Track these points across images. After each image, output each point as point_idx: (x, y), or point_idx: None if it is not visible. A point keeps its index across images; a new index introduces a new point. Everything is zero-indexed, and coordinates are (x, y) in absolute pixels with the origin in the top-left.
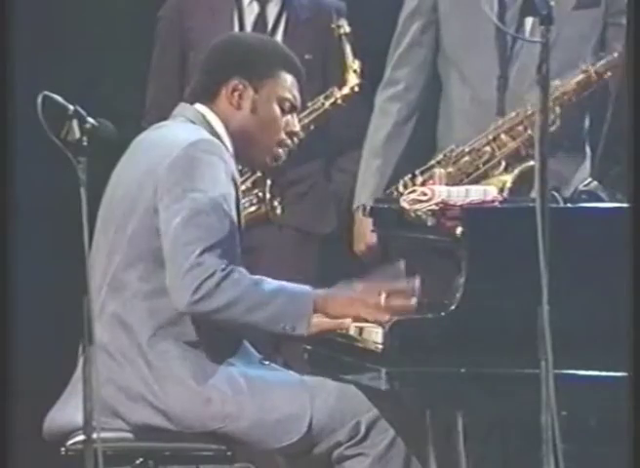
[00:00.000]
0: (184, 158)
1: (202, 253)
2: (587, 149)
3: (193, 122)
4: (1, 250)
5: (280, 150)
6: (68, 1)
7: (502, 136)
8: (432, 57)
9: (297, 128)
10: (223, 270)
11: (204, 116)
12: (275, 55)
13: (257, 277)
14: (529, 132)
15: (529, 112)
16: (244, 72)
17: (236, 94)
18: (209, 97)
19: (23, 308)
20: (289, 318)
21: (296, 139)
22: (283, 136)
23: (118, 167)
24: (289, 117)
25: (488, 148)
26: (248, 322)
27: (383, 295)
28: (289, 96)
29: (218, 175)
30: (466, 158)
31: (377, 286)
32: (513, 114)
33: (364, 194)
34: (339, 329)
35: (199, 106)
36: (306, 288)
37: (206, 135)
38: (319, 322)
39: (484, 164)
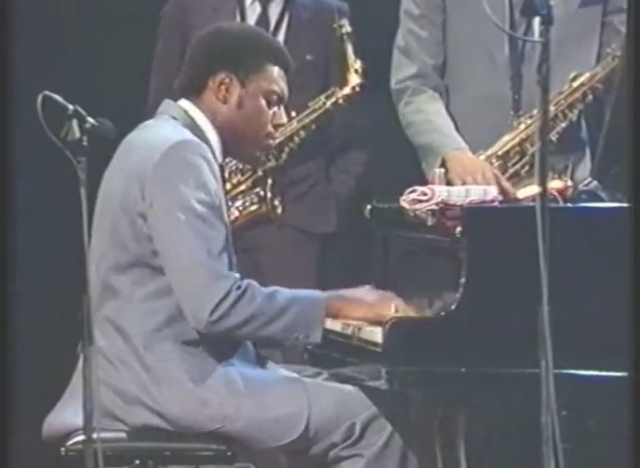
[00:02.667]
0: (168, 162)
1: (213, 266)
2: (587, 149)
3: (175, 118)
4: (1, 249)
5: (269, 142)
6: (68, 1)
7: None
8: (443, 57)
9: (284, 120)
10: (238, 289)
11: (186, 112)
12: (262, 47)
13: (270, 289)
14: (563, 125)
15: (561, 108)
16: (231, 66)
17: (223, 87)
18: (195, 91)
19: (23, 308)
20: (302, 327)
21: (290, 144)
22: (270, 128)
23: (109, 167)
24: (276, 109)
25: (518, 149)
26: (263, 336)
27: (394, 307)
28: (276, 88)
29: (203, 176)
30: (496, 162)
31: (390, 296)
32: (535, 112)
33: (459, 139)
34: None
35: (183, 102)
36: (318, 294)
37: (187, 134)
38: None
39: (513, 165)
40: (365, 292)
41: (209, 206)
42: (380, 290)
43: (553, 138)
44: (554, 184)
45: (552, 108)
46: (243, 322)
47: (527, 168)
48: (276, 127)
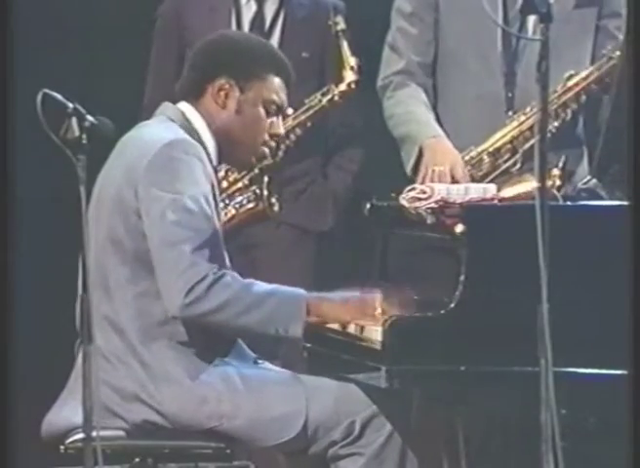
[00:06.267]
0: (161, 159)
1: (191, 254)
2: (584, 147)
3: (172, 120)
4: (1, 249)
5: (264, 150)
6: (68, 0)
7: (527, 133)
8: (434, 55)
9: (280, 130)
10: (215, 273)
11: (184, 114)
12: (264, 56)
13: (248, 280)
14: (555, 124)
15: (554, 106)
16: (231, 72)
17: (222, 93)
18: (195, 94)
19: (23, 308)
20: (281, 320)
21: (286, 141)
22: (266, 137)
23: (105, 166)
24: (274, 119)
25: (510, 146)
26: (239, 325)
27: (379, 309)
28: (275, 98)
29: (196, 174)
30: (487, 158)
31: (374, 296)
32: (528, 109)
33: (436, 126)
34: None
35: (182, 104)
36: (299, 290)
37: (180, 134)
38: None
39: (504, 162)
40: (349, 296)
41: (198, 200)
42: (368, 291)
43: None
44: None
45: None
46: (218, 307)
47: (518, 166)
48: (272, 136)
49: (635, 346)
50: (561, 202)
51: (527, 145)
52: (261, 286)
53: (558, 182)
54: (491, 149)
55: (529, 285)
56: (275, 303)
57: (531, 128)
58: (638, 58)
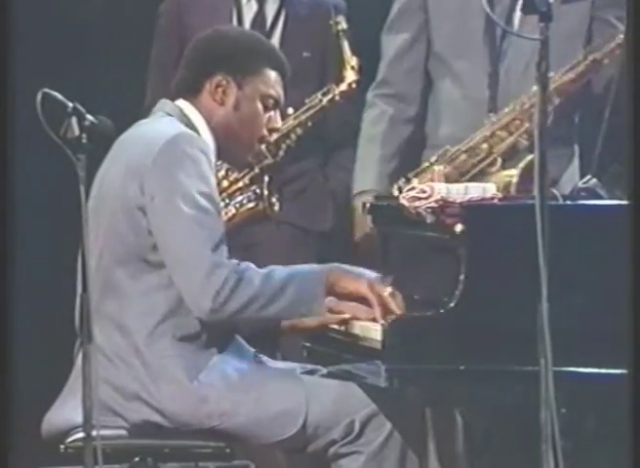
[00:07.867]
0: (167, 155)
1: (212, 255)
2: (576, 147)
3: (171, 115)
4: (1, 247)
5: (262, 146)
6: (68, 0)
7: (499, 133)
8: (424, 56)
9: (278, 124)
10: (236, 273)
11: (182, 110)
12: (260, 51)
13: (266, 269)
14: (526, 124)
15: (526, 106)
16: (228, 68)
17: (220, 89)
18: (192, 92)
19: (23, 307)
20: (304, 303)
21: (286, 141)
22: (265, 132)
23: (103, 165)
24: (271, 113)
25: (485, 145)
26: (265, 316)
27: (389, 289)
28: (272, 92)
29: (203, 167)
30: (463, 157)
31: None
32: (507, 109)
33: (366, 179)
34: (336, 324)
35: (180, 102)
36: (316, 268)
37: (183, 128)
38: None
39: (480, 161)
40: (366, 270)
41: (209, 197)
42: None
43: (522, 139)
44: (497, 178)
45: (518, 107)
46: (244, 305)
47: (498, 165)
48: (271, 131)
49: (635, 346)
50: (561, 201)
51: (502, 145)
52: (280, 272)
53: (515, 180)
54: (464, 148)
55: (529, 284)
56: (296, 287)
57: (505, 127)
58: (638, 58)
